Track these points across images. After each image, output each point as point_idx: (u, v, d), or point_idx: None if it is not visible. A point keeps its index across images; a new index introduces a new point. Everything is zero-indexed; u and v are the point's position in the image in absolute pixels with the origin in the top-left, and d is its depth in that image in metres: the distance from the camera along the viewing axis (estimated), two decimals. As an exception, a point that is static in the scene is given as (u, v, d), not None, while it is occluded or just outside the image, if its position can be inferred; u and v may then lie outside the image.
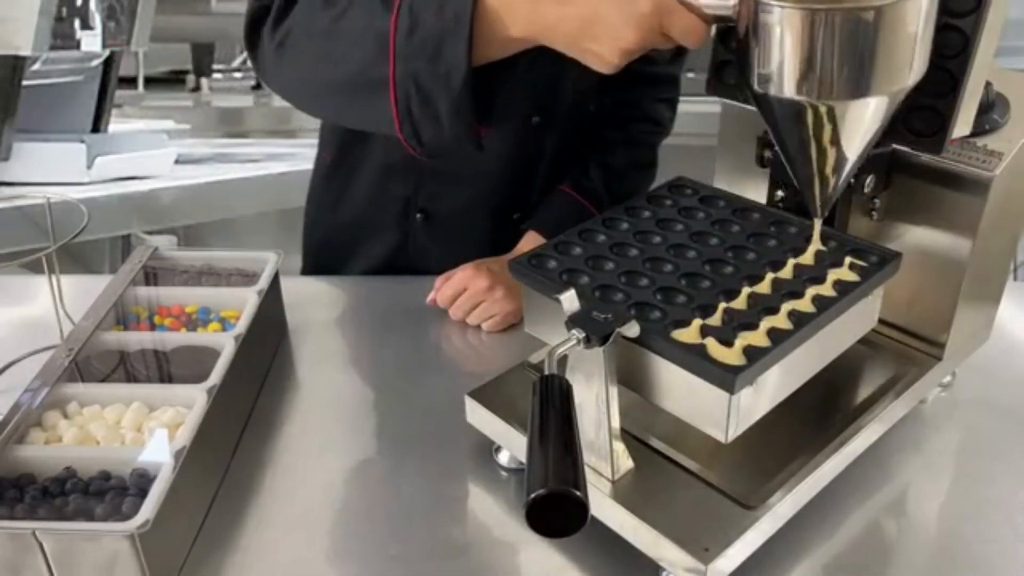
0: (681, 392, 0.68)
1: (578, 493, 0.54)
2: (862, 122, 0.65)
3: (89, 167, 2.09)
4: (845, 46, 0.60)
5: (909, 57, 0.62)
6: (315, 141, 1.24)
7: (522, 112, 1.10)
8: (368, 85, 0.82)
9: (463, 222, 1.18)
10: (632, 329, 0.67)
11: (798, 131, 0.66)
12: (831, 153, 0.67)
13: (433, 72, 0.78)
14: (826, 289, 0.73)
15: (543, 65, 0.85)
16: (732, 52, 0.67)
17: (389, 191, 1.16)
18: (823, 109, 0.64)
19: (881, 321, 0.82)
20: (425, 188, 1.15)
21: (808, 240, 0.77)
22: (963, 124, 0.73)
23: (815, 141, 0.66)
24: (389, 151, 1.12)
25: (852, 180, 0.78)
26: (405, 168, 1.13)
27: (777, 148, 0.71)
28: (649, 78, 1.22)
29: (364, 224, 1.20)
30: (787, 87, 0.63)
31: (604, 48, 0.73)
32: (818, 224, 0.76)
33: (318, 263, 1.28)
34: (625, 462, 0.74)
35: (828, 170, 0.69)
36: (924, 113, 0.72)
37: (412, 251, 1.20)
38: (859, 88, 0.62)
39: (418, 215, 1.17)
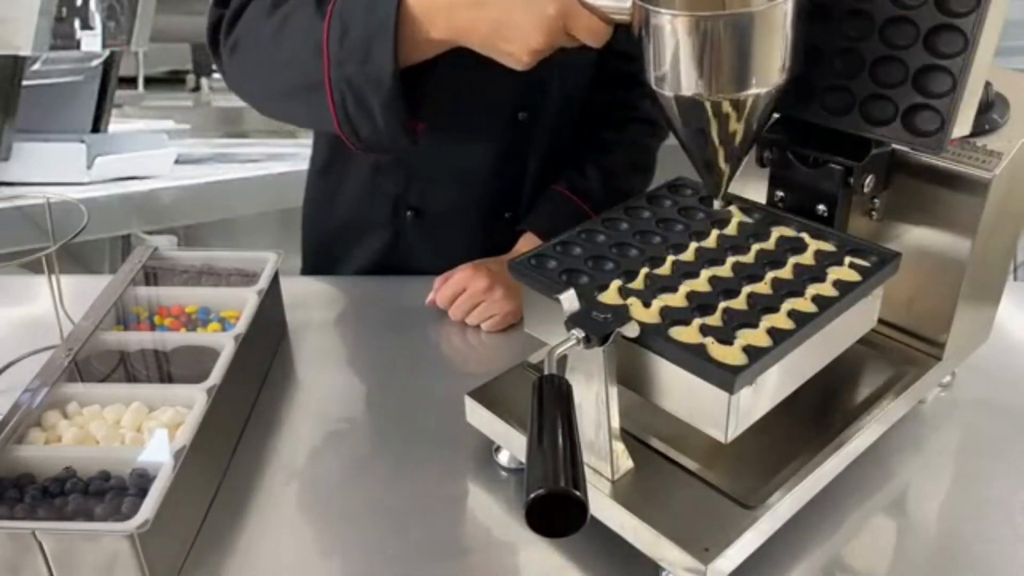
0: (681, 392, 0.68)
1: (578, 493, 0.54)
2: (748, 112, 0.71)
3: (89, 167, 2.09)
4: (728, 46, 0.67)
5: (782, 54, 0.69)
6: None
7: (508, 109, 1.10)
8: (309, 88, 0.86)
9: (454, 220, 1.18)
10: (632, 329, 0.67)
11: (691, 123, 0.72)
12: (722, 141, 0.73)
13: (364, 74, 0.83)
14: (826, 288, 0.73)
15: None
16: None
17: (379, 189, 1.17)
18: (712, 103, 0.70)
19: (881, 321, 0.82)
20: (414, 186, 1.15)
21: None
22: (963, 124, 0.73)
23: (706, 131, 0.72)
24: None
25: (851, 180, 0.78)
26: (394, 166, 1.14)
27: (674, 136, 0.77)
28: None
29: (357, 223, 1.21)
30: (680, 84, 0.70)
31: (515, 48, 0.78)
32: (717, 204, 0.83)
33: (316, 262, 1.28)
34: (625, 462, 0.74)
35: (721, 157, 0.75)
36: (924, 113, 0.72)
37: (403, 249, 1.20)
38: (743, 83, 0.69)
39: (408, 213, 1.17)
